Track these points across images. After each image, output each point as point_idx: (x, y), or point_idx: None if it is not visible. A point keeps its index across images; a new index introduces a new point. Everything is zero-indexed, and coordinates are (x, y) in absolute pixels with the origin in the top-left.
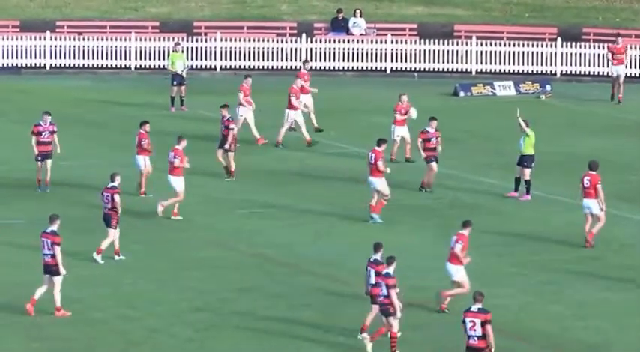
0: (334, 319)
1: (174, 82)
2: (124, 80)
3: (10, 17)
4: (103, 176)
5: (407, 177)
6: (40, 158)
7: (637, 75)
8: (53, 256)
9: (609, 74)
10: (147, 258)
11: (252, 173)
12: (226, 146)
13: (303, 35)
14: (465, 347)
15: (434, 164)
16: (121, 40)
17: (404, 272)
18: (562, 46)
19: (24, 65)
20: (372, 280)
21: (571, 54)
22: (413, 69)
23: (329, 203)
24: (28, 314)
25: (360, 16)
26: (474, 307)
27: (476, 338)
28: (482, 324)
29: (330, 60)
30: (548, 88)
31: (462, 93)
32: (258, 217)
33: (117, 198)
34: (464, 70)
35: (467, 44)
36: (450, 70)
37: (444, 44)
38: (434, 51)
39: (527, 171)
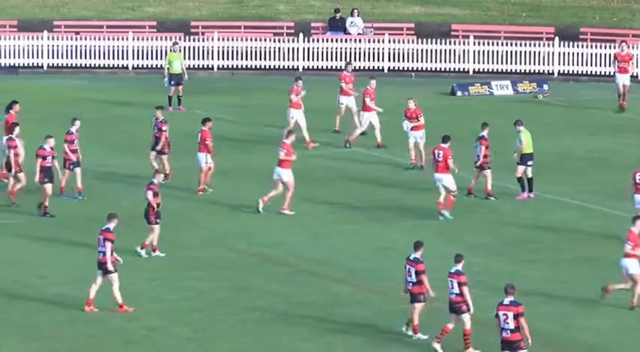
0: (333, 318)
1: (172, 82)
2: (121, 80)
3: (7, 17)
4: (101, 175)
5: (405, 178)
6: (71, 166)
7: (634, 74)
8: (105, 254)
9: (615, 82)
10: (146, 258)
11: (251, 173)
12: (158, 148)
13: (301, 35)
14: (500, 340)
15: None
16: (118, 39)
17: (401, 271)
18: (559, 46)
19: (21, 65)
20: (413, 278)
21: (568, 53)
22: (410, 68)
23: (328, 203)
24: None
25: (358, 16)
26: (507, 300)
27: (509, 331)
28: (515, 317)
29: (327, 59)
30: (545, 87)
31: (459, 93)
32: (257, 217)
33: (149, 194)
34: (461, 69)
35: (464, 44)
36: (448, 69)
37: (441, 43)
38: (431, 50)
39: (530, 169)
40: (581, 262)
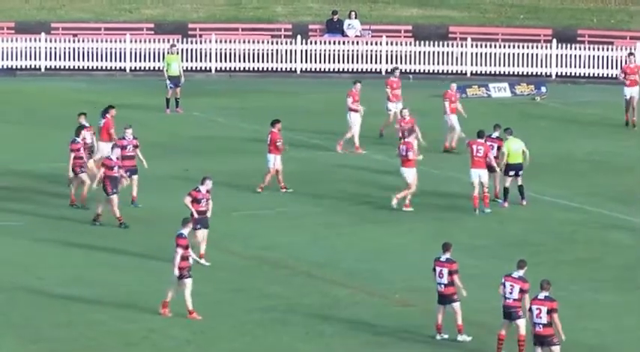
0: (331, 321)
1: (170, 84)
2: (119, 82)
3: (4, 19)
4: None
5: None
6: (127, 173)
7: None
8: (182, 259)
9: (623, 96)
10: (142, 259)
11: (249, 175)
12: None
13: (298, 37)
14: (532, 335)
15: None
16: (115, 41)
17: (400, 273)
18: (557, 48)
19: (19, 67)
20: (445, 280)
21: (566, 55)
22: (408, 70)
23: (326, 204)
24: (163, 316)
25: (355, 18)
26: (541, 295)
27: (541, 326)
28: (549, 312)
29: (325, 61)
30: (543, 89)
31: (457, 95)
32: (254, 219)
33: (187, 199)
34: (459, 71)
35: (462, 46)
36: (445, 71)
37: (438, 46)
38: (429, 52)
39: (520, 178)
40: (578, 264)
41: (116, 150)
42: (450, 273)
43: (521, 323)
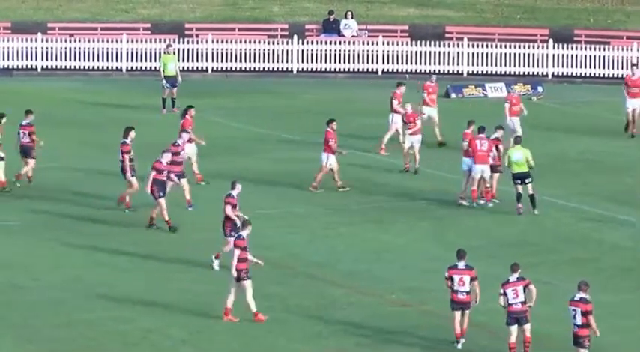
0: (329, 321)
1: (167, 84)
2: (115, 82)
3: (1, 19)
4: (92, 178)
5: (399, 180)
6: (177, 178)
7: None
8: (240, 260)
9: (625, 108)
10: (141, 260)
11: (245, 175)
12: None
13: (295, 37)
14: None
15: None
16: (112, 41)
17: (397, 273)
18: (553, 48)
19: (15, 67)
20: (467, 287)
21: (563, 55)
22: (404, 70)
23: (325, 205)
24: (229, 321)
25: (352, 18)
26: (577, 296)
27: (577, 327)
28: (583, 314)
29: (321, 61)
30: (539, 89)
31: (453, 95)
32: (252, 219)
33: (227, 209)
34: (455, 71)
35: (458, 46)
36: (442, 71)
37: (435, 46)
38: (425, 52)
39: (530, 186)
40: (574, 264)
41: (166, 155)
42: (472, 280)
43: (528, 327)
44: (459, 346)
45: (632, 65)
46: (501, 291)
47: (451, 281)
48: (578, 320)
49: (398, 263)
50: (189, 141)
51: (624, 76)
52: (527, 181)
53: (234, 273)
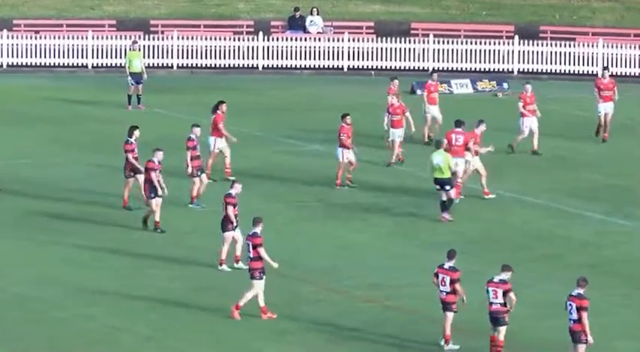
0: (294, 318)
1: (132, 81)
2: (80, 78)
3: None
4: (61, 175)
5: (362, 175)
6: (198, 173)
7: (593, 72)
8: (254, 259)
9: (597, 112)
10: (109, 257)
11: (214, 172)
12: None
13: (260, 33)
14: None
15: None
16: (77, 38)
17: (360, 270)
18: (519, 44)
19: None
20: (448, 287)
21: (528, 52)
22: (370, 67)
23: (288, 200)
24: (233, 318)
25: (317, 14)
26: (575, 291)
27: (572, 322)
28: (578, 310)
29: (287, 58)
30: (505, 85)
31: (419, 92)
32: (215, 215)
33: (229, 209)
34: (421, 67)
35: (424, 42)
36: (407, 68)
37: (401, 42)
38: (391, 49)
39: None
40: (541, 261)
41: (158, 153)
42: (452, 281)
43: (503, 330)
44: (446, 347)
45: (603, 68)
46: (486, 288)
47: (436, 279)
48: (574, 315)
49: (360, 259)
50: (219, 135)
51: (593, 74)
52: (446, 188)
53: (256, 273)
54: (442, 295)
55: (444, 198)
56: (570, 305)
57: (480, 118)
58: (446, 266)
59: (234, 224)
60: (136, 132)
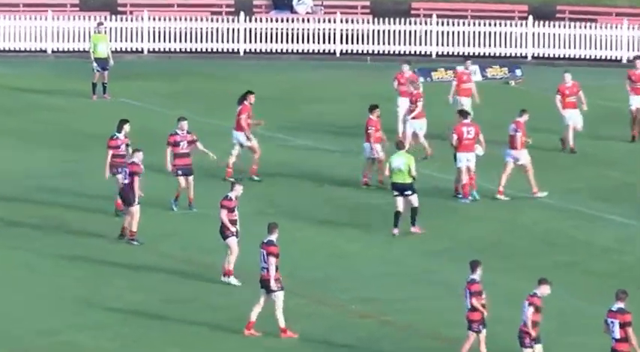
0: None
1: (97, 67)
2: (39, 65)
3: None
4: (14, 168)
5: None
6: (179, 172)
7: (617, 58)
8: (269, 270)
9: (628, 107)
10: (68, 265)
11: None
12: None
13: (242, 14)
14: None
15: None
16: (36, 19)
17: (355, 281)
18: (534, 26)
19: None
20: (468, 303)
21: (544, 34)
22: (365, 51)
23: (271, 202)
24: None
25: None
26: (615, 306)
27: (614, 341)
28: (622, 326)
29: (271, 41)
30: (518, 72)
31: (421, 79)
32: (193, 218)
33: (223, 214)
34: (423, 52)
35: (426, 24)
36: (407, 52)
37: (400, 24)
38: (389, 31)
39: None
40: (558, 268)
41: (138, 154)
42: (471, 294)
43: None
44: None
45: (636, 58)
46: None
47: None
48: (617, 334)
49: (352, 270)
50: (239, 129)
51: (616, 59)
52: (406, 194)
53: (274, 285)
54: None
55: (400, 208)
56: (612, 322)
57: (522, 107)
58: (468, 278)
59: (234, 230)
60: (126, 127)
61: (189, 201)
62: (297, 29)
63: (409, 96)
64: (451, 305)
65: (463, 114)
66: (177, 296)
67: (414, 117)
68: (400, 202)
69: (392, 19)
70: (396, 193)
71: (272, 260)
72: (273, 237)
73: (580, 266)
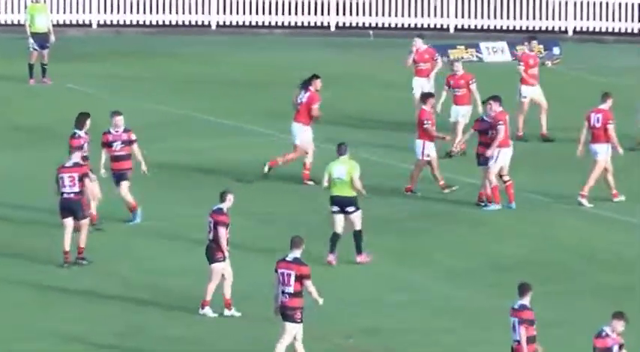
0: None
1: (35, 45)
2: None
3: None
4: None
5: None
6: (115, 178)
7: None
8: (295, 296)
9: None
10: (5, 288)
11: (138, 171)
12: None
13: None
14: None
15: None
16: None
17: (349, 308)
18: None
19: None
20: (518, 335)
21: (588, 4)
22: (367, 25)
23: (253, 212)
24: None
25: None
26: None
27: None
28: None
29: (250, 13)
30: (555, 50)
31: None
32: (146, 232)
33: (221, 230)
34: (439, 25)
35: None
36: (419, 26)
37: None
38: (396, 0)
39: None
40: (609, 294)
41: (76, 154)
42: (521, 322)
43: None
44: None
45: None
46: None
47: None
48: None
49: (352, 294)
50: (304, 120)
51: None
52: (349, 210)
53: (317, 298)
54: (513, 344)
55: (339, 229)
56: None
57: (605, 91)
58: (516, 305)
59: (226, 253)
60: (88, 122)
61: (131, 209)
62: None
63: (424, 75)
64: (479, 337)
65: (495, 98)
66: (133, 327)
67: (457, 103)
68: (339, 221)
69: None
70: (335, 209)
71: (307, 283)
72: (298, 253)
73: (631, 291)
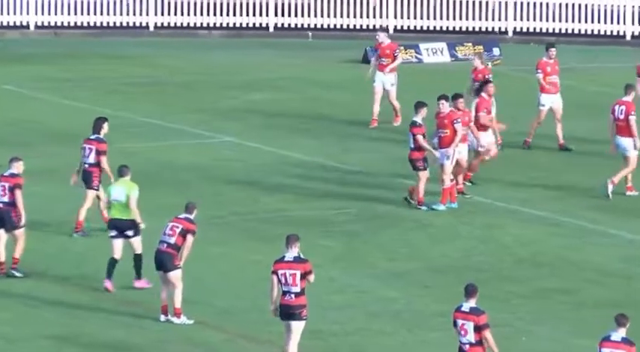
0: None
1: None
2: None
3: None
4: None
5: (298, 181)
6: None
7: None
8: (301, 294)
9: None
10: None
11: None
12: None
13: None
14: None
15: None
16: None
17: None
18: None
19: None
20: (471, 337)
21: (529, 4)
22: (306, 25)
23: (200, 215)
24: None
25: None
26: (616, 335)
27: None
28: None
29: (189, 14)
30: (496, 51)
31: (373, 60)
32: (94, 235)
33: (189, 238)
34: (378, 26)
35: None
36: (359, 26)
37: None
38: (334, 1)
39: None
40: (544, 297)
41: (18, 164)
42: (478, 329)
43: None
44: None
45: None
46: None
47: (455, 327)
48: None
49: None
50: (484, 128)
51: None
52: (128, 234)
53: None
54: (465, 347)
55: (117, 254)
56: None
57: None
58: (465, 308)
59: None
60: (106, 126)
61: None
62: None
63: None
64: (421, 338)
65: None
66: (73, 331)
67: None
68: (118, 245)
69: None
70: (113, 233)
71: (311, 277)
72: (296, 252)
73: (573, 295)
